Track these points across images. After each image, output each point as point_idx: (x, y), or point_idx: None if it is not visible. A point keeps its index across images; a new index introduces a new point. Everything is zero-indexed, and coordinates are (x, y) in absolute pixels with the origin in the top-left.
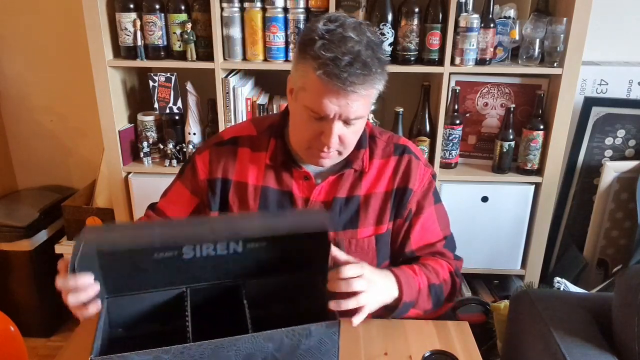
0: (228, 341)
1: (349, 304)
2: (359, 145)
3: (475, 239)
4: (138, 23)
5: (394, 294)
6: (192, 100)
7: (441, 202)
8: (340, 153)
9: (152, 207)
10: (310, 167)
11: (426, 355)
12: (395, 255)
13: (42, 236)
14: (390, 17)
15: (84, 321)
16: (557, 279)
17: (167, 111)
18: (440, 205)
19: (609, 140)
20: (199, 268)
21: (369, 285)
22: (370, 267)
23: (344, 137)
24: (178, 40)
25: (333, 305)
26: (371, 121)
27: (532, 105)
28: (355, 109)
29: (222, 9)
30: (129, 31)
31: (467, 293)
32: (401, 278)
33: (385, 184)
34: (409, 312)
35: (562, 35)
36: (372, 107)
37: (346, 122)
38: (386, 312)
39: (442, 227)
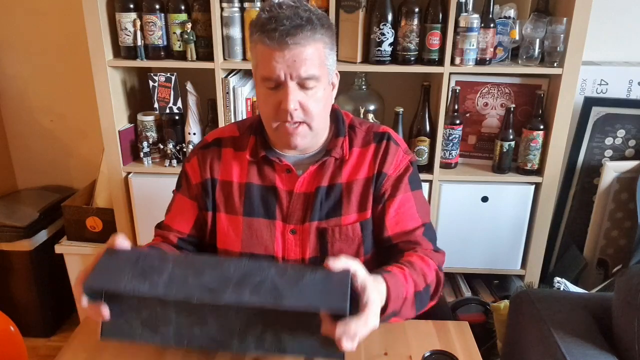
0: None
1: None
2: (337, 134)
3: (475, 239)
4: (138, 23)
5: (383, 302)
6: (192, 100)
7: (420, 190)
8: (308, 126)
9: (160, 226)
10: (290, 159)
11: (426, 355)
12: (375, 242)
13: (42, 236)
14: (390, 17)
15: (84, 321)
16: (557, 279)
17: (167, 111)
18: (418, 193)
19: (609, 140)
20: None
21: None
22: (369, 279)
23: (305, 103)
24: (178, 40)
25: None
26: (371, 120)
27: (532, 105)
28: (305, 66)
29: (222, 9)
30: (129, 31)
31: (467, 293)
32: (391, 289)
33: (366, 171)
34: (390, 320)
35: (562, 35)
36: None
37: (301, 84)
38: None
39: (421, 215)
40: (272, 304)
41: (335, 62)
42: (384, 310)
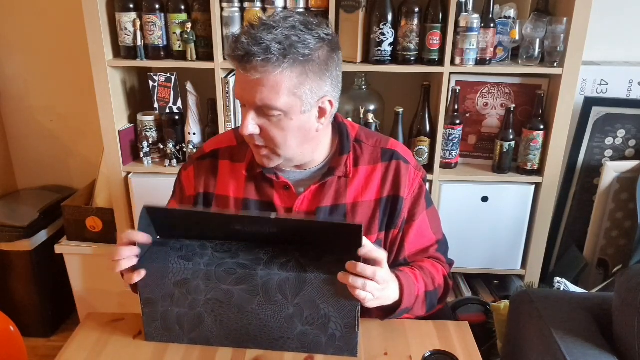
0: (258, 245)
1: (357, 282)
2: (341, 151)
3: (475, 239)
4: (138, 23)
5: (395, 298)
6: (192, 100)
7: (433, 205)
8: (273, 152)
9: None
10: (290, 175)
11: (426, 355)
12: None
13: (42, 236)
14: (390, 17)
15: (84, 321)
16: (557, 279)
17: (167, 111)
18: (432, 209)
19: (609, 140)
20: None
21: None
22: (387, 269)
23: (265, 130)
24: (178, 40)
25: (341, 276)
26: (370, 121)
27: (532, 105)
28: (259, 95)
29: (222, 8)
30: (129, 31)
31: (467, 293)
32: (404, 285)
33: (374, 192)
34: (402, 316)
35: (562, 35)
36: (301, 107)
37: (259, 111)
38: (381, 313)
39: (435, 231)
40: (297, 275)
41: (325, 89)
42: (398, 305)
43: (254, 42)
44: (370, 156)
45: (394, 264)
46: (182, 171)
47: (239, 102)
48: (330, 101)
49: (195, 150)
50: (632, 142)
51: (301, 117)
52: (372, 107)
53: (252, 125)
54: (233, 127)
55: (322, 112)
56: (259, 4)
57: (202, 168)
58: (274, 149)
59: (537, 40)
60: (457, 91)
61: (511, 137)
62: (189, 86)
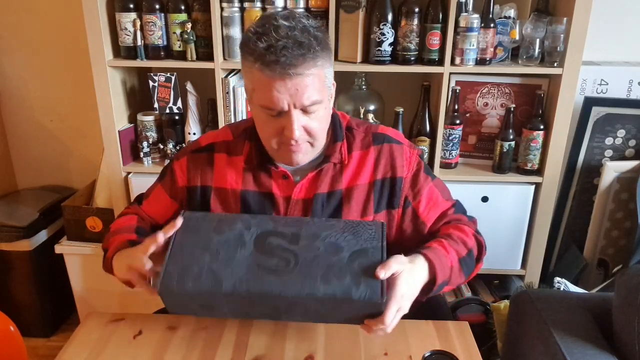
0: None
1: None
2: (335, 139)
3: None
4: (138, 23)
5: (425, 278)
6: (192, 100)
7: (437, 177)
8: (311, 145)
9: (139, 201)
10: (287, 165)
11: (426, 355)
12: (418, 243)
13: (42, 236)
14: (390, 17)
15: (84, 321)
16: (557, 279)
17: (167, 111)
18: (437, 180)
19: (609, 140)
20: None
21: (405, 302)
22: (406, 268)
23: (308, 126)
24: (178, 40)
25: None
26: (371, 121)
27: (532, 105)
28: (307, 94)
29: (222, 9)
30: (129, 31)
31: (467, 293)
32: (434, 262)
33: (368, 176)
34: (442, 290)
35: (562, 35)
36: (330, 95)
37: (304, 110)
38: (420, 295)
39: (447, 198)
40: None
41: (332, 72)
42: (433, 282)
43: (294, 45)
44: (362, 142)
45: (423, 241)
46: (174, 160)
47: (240, 102)
48: (334, 83)
49: None
50: (632, 142)
51: (327, 103)
52: (372, 107)
53: (300, 128)
54: None
55: (331, 95)
56: (259, 4)
57: (197, 161)
58: (313, 142)
59: (537, 40)
60: (457, 91)
61: (511, 137)
62: (189, 86)
